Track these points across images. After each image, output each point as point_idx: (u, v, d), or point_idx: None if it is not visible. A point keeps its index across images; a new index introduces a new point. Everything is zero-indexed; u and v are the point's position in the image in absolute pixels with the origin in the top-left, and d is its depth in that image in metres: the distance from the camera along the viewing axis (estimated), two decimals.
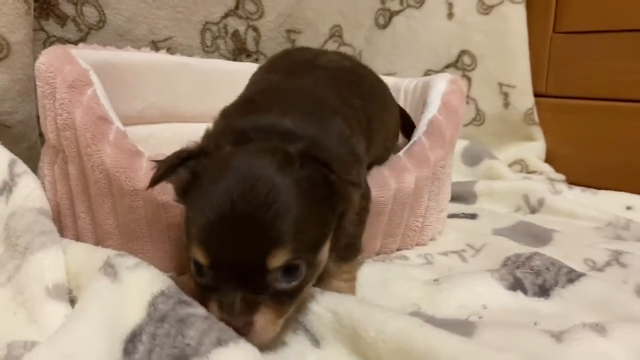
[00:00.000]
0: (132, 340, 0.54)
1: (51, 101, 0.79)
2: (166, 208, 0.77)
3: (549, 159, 1.68)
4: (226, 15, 1.33)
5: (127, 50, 1.14)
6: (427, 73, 1.65)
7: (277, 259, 0.55)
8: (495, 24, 1.63)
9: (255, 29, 1.37)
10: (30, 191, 0.84)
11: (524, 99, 1.66)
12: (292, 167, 0.57)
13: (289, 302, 0.58)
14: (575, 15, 1.61)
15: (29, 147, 1.08)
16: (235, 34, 1.36)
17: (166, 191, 0.76)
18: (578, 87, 1.60)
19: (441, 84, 1.05)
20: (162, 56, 1.16)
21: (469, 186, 1.34)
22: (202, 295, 0.58)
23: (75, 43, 1.17)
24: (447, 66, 1.65)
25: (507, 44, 1.64)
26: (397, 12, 1.65)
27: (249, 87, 0.90)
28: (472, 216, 1.22)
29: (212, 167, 0.59)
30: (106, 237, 0.81)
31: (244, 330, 0.54)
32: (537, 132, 1.68)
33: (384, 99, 0.99)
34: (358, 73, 0.95)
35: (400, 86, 1.24)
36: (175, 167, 0.61)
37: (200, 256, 0.56)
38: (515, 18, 1.63)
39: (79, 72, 0.80)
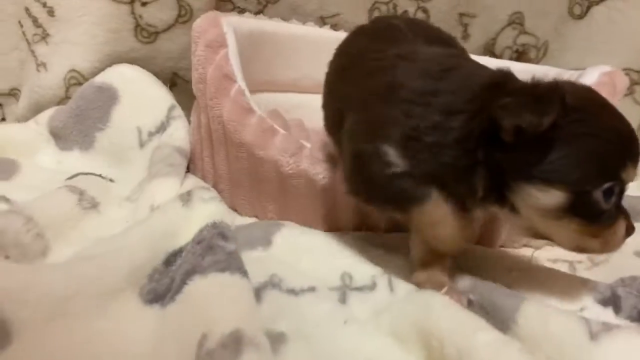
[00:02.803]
0: (175, 254, 0.63)
1: (195, 57, 0.93)
2: (262, 163, 0.84)
3: None
4: None
5: (292, 22, 1.26)
6: (624, 72, 1.45)
7: None
8: None
9: (425, 10, 1.37)
10: (174, 131, 1.01)
11: None
12: None
13: None
14: None
15: None
16: (404, 14, 1.38)
17: (264, 147, 0.84)
18: None
19: (592, 75, 0.95)
20: (319, 30, 1.25)
21: (636, 202, 1.16)
22: (598, 223, 0.62)
23: (255, 14, 1.32)
24: None
25: None
26: (598, 2, 1.48)
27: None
28: None
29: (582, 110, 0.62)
30: (220, 180, 0.93)
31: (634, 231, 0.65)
32: None
33: None
34: None
35: (562, 77, 1.13)
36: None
37: (631, 174, 0.62)
38: None
39: (217, 34, 0.92)
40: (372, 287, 0.68)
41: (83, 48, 1.14)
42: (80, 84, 1.14)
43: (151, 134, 1.04)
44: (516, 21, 1.44)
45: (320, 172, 0.82)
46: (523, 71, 1.26)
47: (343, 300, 0.65)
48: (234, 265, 0.57)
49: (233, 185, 0.91)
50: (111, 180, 0.99)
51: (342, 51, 0.89)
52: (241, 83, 0.90)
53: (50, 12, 1.14)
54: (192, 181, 0.90)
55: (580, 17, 1.50)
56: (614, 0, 1.46)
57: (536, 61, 1.52)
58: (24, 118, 1.22)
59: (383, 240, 0.83)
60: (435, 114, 0.64)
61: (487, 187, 0.64)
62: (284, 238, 0.80)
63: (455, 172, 0.64)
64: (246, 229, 0.83)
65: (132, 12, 1.13)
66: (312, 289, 0.67)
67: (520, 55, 1.50)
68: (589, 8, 1.49)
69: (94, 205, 0.84)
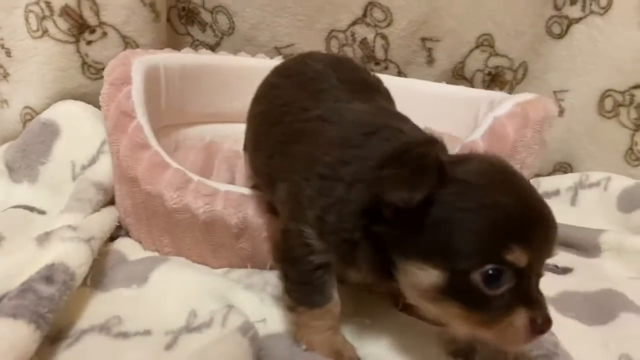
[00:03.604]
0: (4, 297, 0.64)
1: (100, 96, 0.96)
2: (151, 198, 0.85)
3: None
4: (353, 23, 1.34)
5: (240, 55, 1.27)
6: (607, 93, 1.35)
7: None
8: None
9: (384, 37, 1.35)
10: (99, 166, 1.03)
11: None
12: None
13: None
14: None
15: None
16: (364, 41, 1.35)
17: (151, 182, 0.85)
18: None
19: (506, 106, 0.89)
20: (263, 61, 1.24)
21: (592, 235, 1.07)
22: (484, 311, 0.55)
23: (213, 47, 1.35)
24: (635, 87, 1.33)
25: None
26: (578, 20, 1.39)
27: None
28: (564, 271, 0.99)
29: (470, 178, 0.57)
30: (126, 214, 0.94)
31: (548, 327, 0.55)
32: None
33: None
34: None
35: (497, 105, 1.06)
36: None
37: (519, 257, 0.54)
38: None
39: (123, 72, 0.94)
40: (209, 324, 0.68)
41: (35, 86, 1.20)
42: (32, 119, 1.20)
43: (83, 168, 1.07)
44: (485, 43, 1.38)
45: (201, 206, 0.82)
46: (462, 96, 1.22)
47: (170, 345, 0.65)
48: (28, 311, 0.57)
49: (136, 219, 0.92)
50: (41, 213, 1.03)
51: (268, 96, 0.88)
52: (141, 119, 0.91)
53: (8, 53, 1.21)
54: (97, 217, 0.92)
55: (560, 36, 1.42)
56: (594, 18, 1.37)
57: (515, 83, 1.45)
58: None
59: (265, 278, 0.82)
60: (342, 188, 0.61)
61: (372, 263, 0.61)
62: (161, 275, 0.80)
63: (348, 248, 0.61)
64: (131, 265, 0.85)
65: (78, 51, 1.17)
66: (147, 333, 0.66)
67: (494, 78, 1.43)
68: (568, 27, 1.41)
69: None
